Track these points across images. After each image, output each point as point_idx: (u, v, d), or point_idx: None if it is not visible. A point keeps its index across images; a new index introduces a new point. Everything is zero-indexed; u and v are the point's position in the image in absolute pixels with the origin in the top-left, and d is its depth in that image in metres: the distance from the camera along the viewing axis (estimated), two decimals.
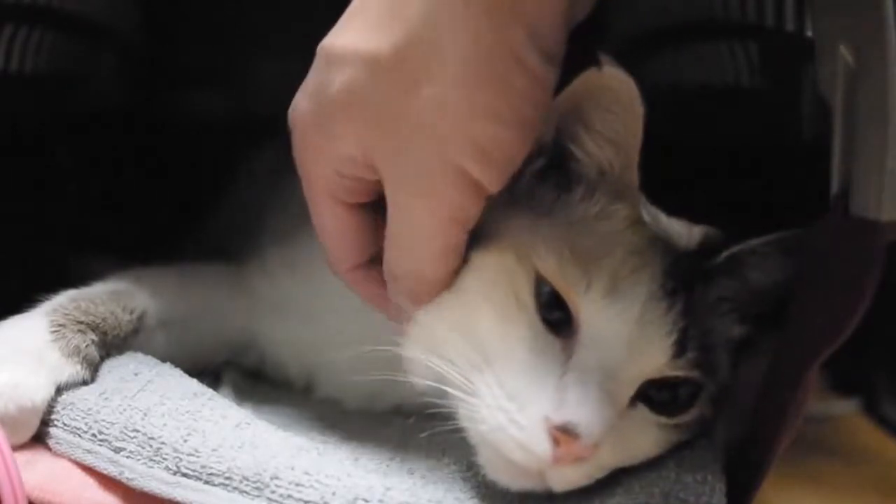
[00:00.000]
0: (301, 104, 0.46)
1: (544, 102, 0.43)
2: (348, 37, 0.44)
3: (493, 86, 0.41)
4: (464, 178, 0.43)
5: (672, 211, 0.51)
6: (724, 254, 0.50)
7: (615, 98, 0.45)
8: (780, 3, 0.60)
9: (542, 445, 0.42)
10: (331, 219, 0.48)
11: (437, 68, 0.41)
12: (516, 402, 0.43)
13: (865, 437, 0.68)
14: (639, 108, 0.44)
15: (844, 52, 0.40)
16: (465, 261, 0.47)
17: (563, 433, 0.42)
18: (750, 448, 0.48)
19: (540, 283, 0.46)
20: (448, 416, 0.47)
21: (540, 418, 0.43)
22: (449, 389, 0.46)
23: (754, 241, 0.50)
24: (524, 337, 0.45)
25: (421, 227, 0.45)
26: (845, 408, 0.71)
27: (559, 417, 0.42)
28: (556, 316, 0.46)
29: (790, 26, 0.59)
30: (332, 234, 0.49)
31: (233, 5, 0.93)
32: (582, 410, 0.43)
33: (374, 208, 0.48)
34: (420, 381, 0.48)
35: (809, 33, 0.54)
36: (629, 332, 0.45)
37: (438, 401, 0.47)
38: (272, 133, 0.48)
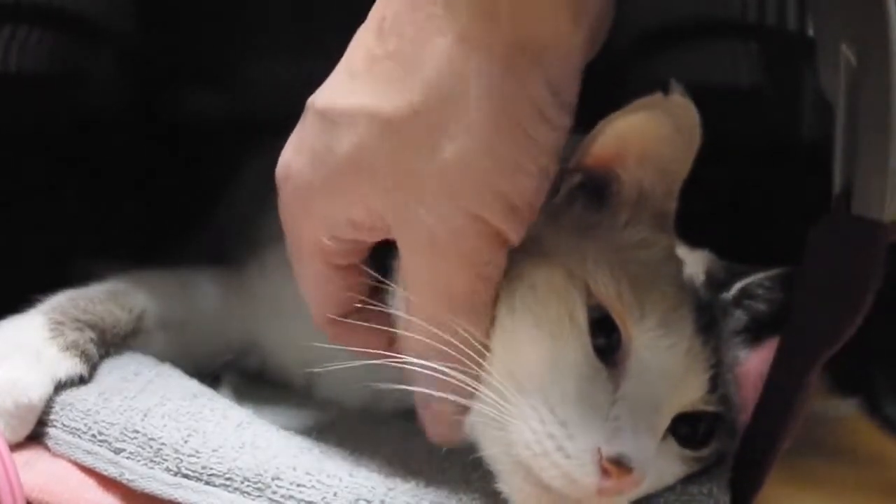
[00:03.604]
0: (295, 164, 0.45)
1: (560, 150, 0.42)
2: (355, 97, 0.42)
3: (515, 137, 0.41)
4: (488, 231, 0.42)
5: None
6: (736, 287, 0.51)
7: (676, 127, 0.43)
8: (781, 2, 0.60)
9: (589, 476, 0.41)
10: (318, 279, 0.47)
11: (456, 123, 0.40)
12: (566, 430, 0.42)
13: (866, 437, 0.68)
14: (697, 141, 0.44)
15: (846, 51, 0.40)
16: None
17: (615, 465, 0.41)
18: (751, 449, 0.48)
19: (589, 306, 0.45)
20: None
21: (591, 448, 0.41)
22: (480, 409, 0.44)
23: (762, 275, 0.51)
24: (576, 361, 0.44)
25: (453, 291, 0.43)
26: (846, 408, 0.71)
27: (613, 449, 0.41)
28: (601, 342, 0.44)
29: (792, 25, 0.59)
30: (316, 292, 0.47)
31: (232, 5, 0.93)
32: (634, 443, 0.42)
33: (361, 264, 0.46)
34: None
35: (811, 32, 0.54)
36: (677, 365, 0.45)
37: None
38: (271, 134, 0.47)
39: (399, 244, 0.43)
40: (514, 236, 0.43)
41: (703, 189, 0.58)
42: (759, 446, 0.47)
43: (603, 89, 0.45)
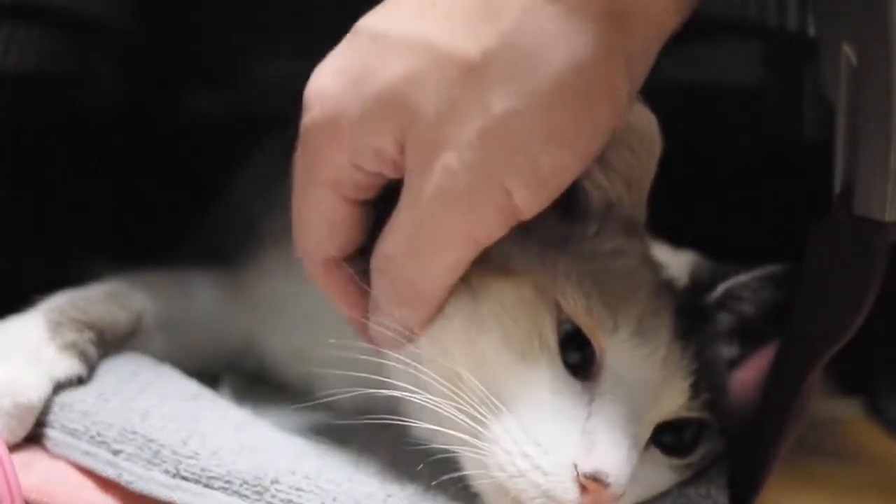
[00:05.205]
0: (332, 86, 0.42)
1: (608, 137, 0.41)
2: (423, 28, 0.40)
3: (577, 109, 0.39)
4: (506, 202, 0.40)
5: (671, 211, 0.51)
6: (720, 288, 0.50)
7: (637, 137, 0.43)
8: (782, 2, 0.60)
9: (568, 493, 0.41)
10: (325, 210, 0.45)
11: (521, 80, 0.38)
12: (540, 448, 0.41)
13: (868, 438, 0.68)
14: (658, 149, 0.43)
15: (847, 51, 0.40)
16: (471, 286, 0.45)
17: (592, 481, 0.40)
18: (752, 449, 0.48)
19: (560, 321, 0.44)
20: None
21: (567, 465, 0.41)
22: (453, 433, 0.43)
23: (746, 275, 0.51)
24: (547, 378, 0.43)
25: (439, 239, 0.42)
26: (848, 408, 0.71)
27: (589, 465, 0.41)
28: (574, 357, 0.44)
29: (792, 25, 0.59)
30: (319, 223, 0.45)
31: (232, 4, 0.93)
32: (611, 457, 0.41)
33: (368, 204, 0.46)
34: (418, 424, 0.46)
35: (812, 32, 0.54)
36: (655, 375, 0.44)
37: (437, 445, 0.45)
38: (271, 133, 0.47)
39: (405, 189, 0.42)
40: (529, 214, 0.41)
41: (703, 189, 0.58)
42: (759, 447, 0.47)
43: None
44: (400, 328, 0.45)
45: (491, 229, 0.42)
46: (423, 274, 0.44)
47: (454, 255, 0.43)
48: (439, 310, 0.45)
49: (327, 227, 0.45)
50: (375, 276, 0.45)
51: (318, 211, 0.45)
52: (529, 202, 0.41)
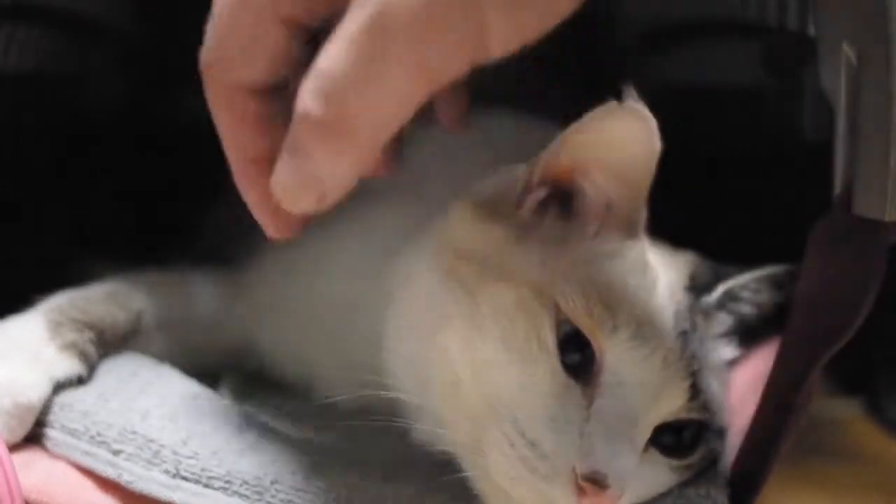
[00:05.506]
0: None
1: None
2: None
3: None
4: (475, 30, 0.35)
5: (671, 211, 0.51)
6: (720, 289, 0.50)
7: (634, 136, 0.43)
8: (782, 2, 0.60)
9: (566, 496, 0.41)
10: (251, 19, 0.40)
11: None
12: (538, 450, 0.42)
13: (868, 438, 0.68)
14: (656, 148, 0.43)
15: (847, 50, 0.40)
16: (470, 289, 0.45)
17: (591, 484, 0.40)
18: (752, 449, 0.48)
19: (560, 322, 0.44)
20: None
21: (566, 467, 0.41)
22: (453, 435, 0.44)
23: (746, 276, 0.51)
24: (545, 381, 0.43)
25: (388, 59, 0.35)
26: (847, 409, 0.71)
27: (587, 467, 0.41)
28: (574, 359, 0.44)
29: (792, 25, 0.59)
30: (240, 33, 0.41)
31: None
32: (610, 459, 0.41)
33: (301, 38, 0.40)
34: (418, 426, 0.46)
35: (812, 32, 0.54)
36: (654, 375, 0.44)
37: (437, 447, 0.45)
38: None
39: (350, 10, 0.35)
40: (497, 48, 0.35)
41: (703, 189, 0.58)
42: (759, 447, 0.47)
43: (603, 89, 0.44)
44: (312, 175, 0.38)
45: (449, 61, 0.36)
46: (362, 98, 0.36)
47: (401, 84, 0.36)
48: (364, 165, 0.38)
49: (248, 42, 0.40)
50: (303, 101, 0.36)
51: (242, 18, 0.40)
52: (501, 33, 0.35)
